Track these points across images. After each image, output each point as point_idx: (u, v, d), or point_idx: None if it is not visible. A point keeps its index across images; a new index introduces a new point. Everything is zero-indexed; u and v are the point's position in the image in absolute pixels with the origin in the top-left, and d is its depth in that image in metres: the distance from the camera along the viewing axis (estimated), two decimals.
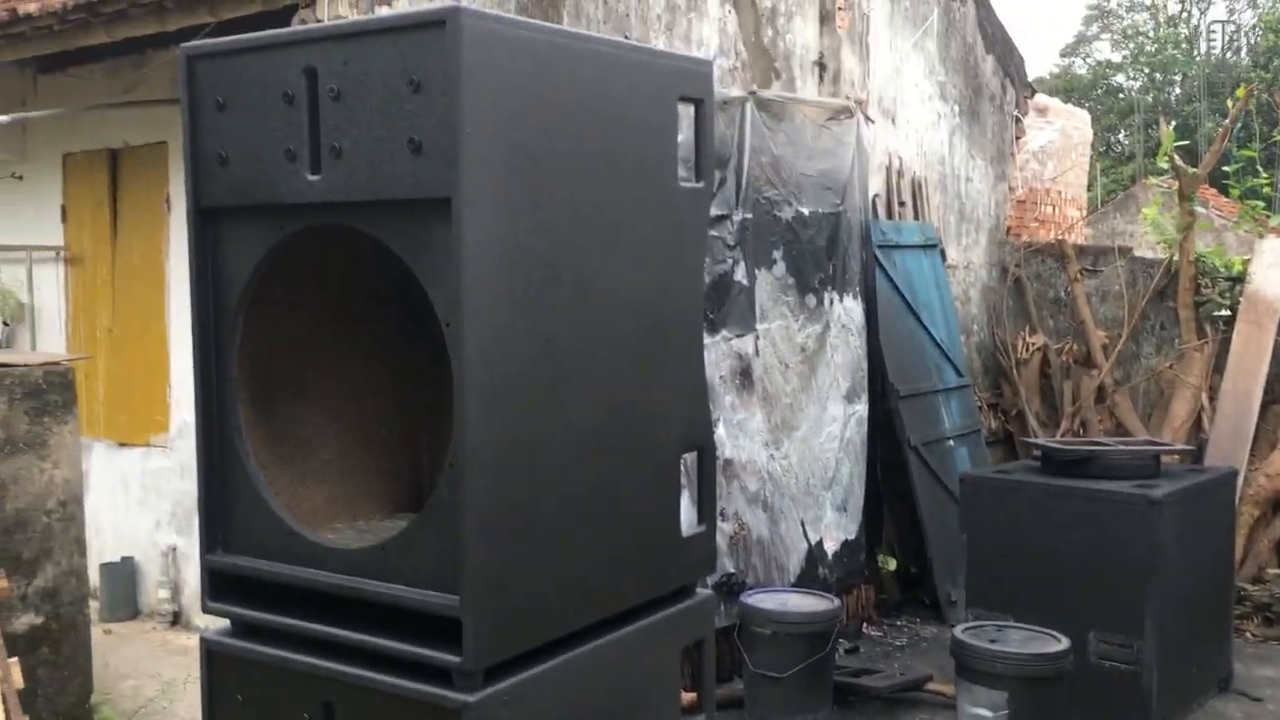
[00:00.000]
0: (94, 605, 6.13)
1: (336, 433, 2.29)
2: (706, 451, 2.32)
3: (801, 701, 5.38)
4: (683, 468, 2.27)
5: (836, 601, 5.64)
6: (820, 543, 6.61)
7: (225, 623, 2.08)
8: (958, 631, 4.94)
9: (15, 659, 4.54)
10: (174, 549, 7.07)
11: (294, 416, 2.21)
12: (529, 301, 1.88)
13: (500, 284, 1.83)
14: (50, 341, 7.81)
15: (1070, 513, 5.35)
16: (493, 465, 1.81)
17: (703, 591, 2.33)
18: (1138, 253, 9.01)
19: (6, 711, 4.33)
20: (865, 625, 6.93)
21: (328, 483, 2.28)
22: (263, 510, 2.04)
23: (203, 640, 2.07)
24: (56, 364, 5.16)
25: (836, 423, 6.79)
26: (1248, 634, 6.84)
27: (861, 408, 6.95)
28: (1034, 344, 8.58)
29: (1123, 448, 5.83)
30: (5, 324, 7.90)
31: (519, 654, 1.87)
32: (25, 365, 5.03)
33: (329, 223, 1.95)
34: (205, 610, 2.07)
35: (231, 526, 2.07)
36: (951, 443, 7.50)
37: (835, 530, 6.74)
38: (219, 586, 2.08)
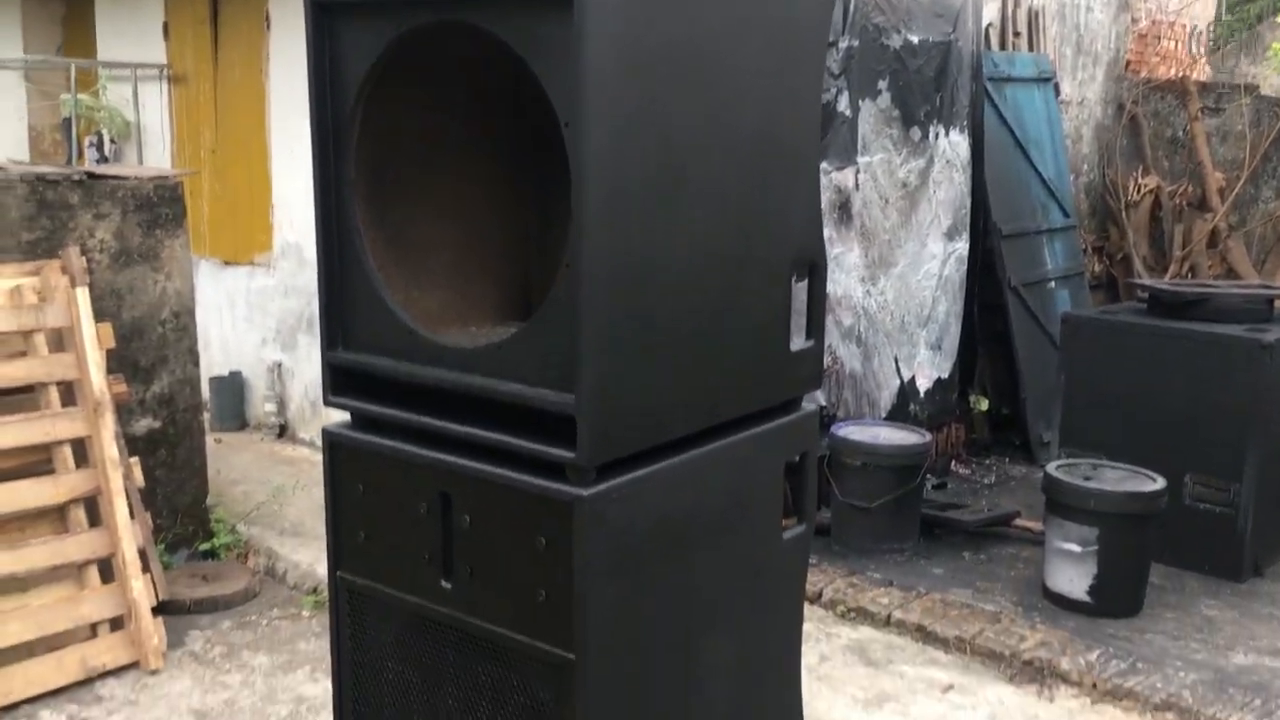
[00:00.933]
0: (205, 417, 6.40)
1: (449, 238, 2.31)
2: (818, 269, 2.30)
3: (888, 532, 5.46)
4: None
5: (927, 435, 5.66)
6: (913, 380, 6.59)
7: (345, 416, 2.16)
8: (1050, 468, 4.93)
9: (135, 459, 4.79)
10: (279, 365, 7.31)
11: (408, 220, 2.23)
12: (649, 104, 1.85)
13: (620, 85, 1.80)
14: (156, 160, 7.95)
15: (1175, 355, 5.23)
16: (609, 267, 1.81)
17: (808, 407, 2.34)
18: (1264, 93, 8.54)
19: (131, 505, 4.58)
20: (954, 463, 6.95)
21: (440, 288, 2.31)
22: (381, 310, 2.08)
23: (325, 432, 2.15)
24: (166, 178, 5.26)
25: (935, 260, 6.67)
26: None
27: (962, 246, 6.81)
28: (1146, 185, 8.27)
29: (1235, 291, 5.66)
30: (113, 141, 8.06)
31: (630, 454, 1.91)
32: (136, 178, 5.14)
33: (446, 19, 1.92)
34: (327, 403, 2.14)
35: (351, 325, 2.12)
36: (1053, 284, 7.35)
37: (928, 368, 6.70)
38: (339, 382, 2.14)
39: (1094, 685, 4.16)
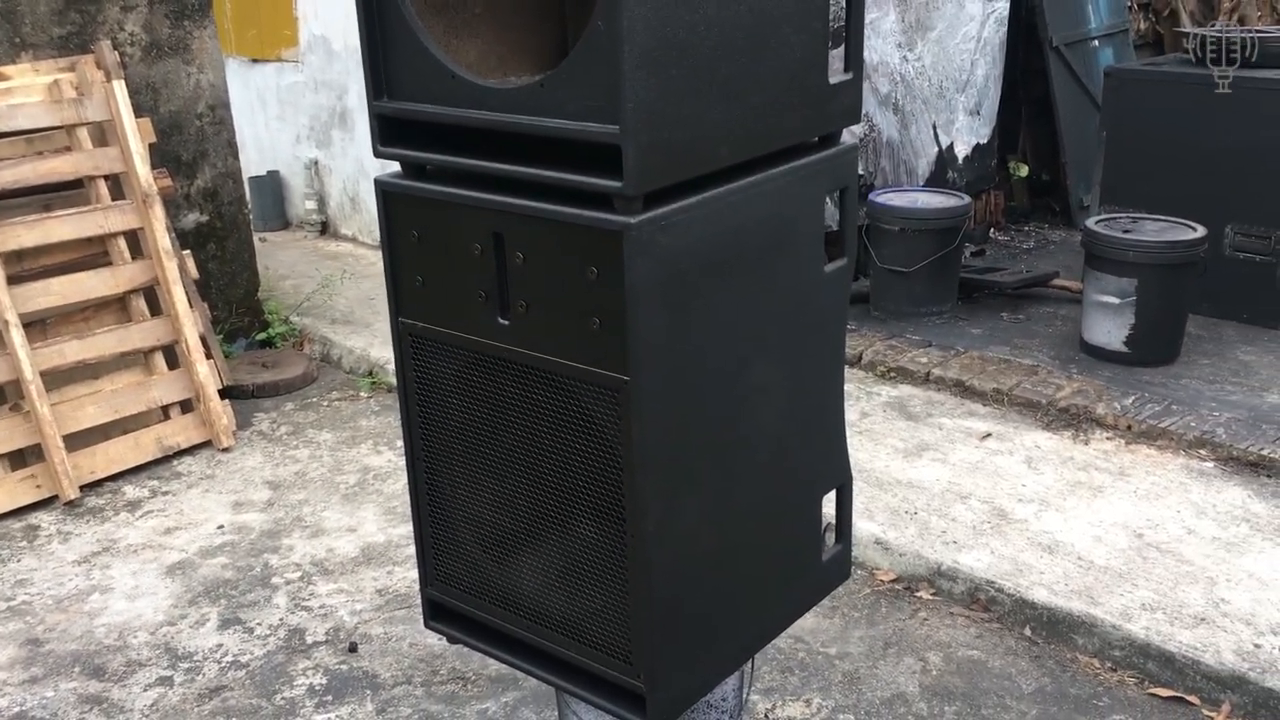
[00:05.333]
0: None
1: None
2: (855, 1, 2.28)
3: (927, 296, 5.52)
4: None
5: (966, 199, 5.65)
6: (951, 147, 6.53)
7: (395, 167, 2.21)
8: (1090, 223, 4.94)
9: (187, 251, 4.91)
10: (315, 162, 7.34)
11: None
12: None
13: None
14: None
15: (1221, 105, 5.14)
16: None
17: (847, 140, 2.36)
18: None
19: (189, 297, 4.73)
20: (992, 230, 6.95)
21: (479, 37, 2.31)
22: (423, 57, 2.10)
23: (378, 182, 2.20)
24: None
25: (974, 22, 6.50)
26: None
27: (1002, 6, 6.61)
28: None
29: None
30: None
31: (675, 183, 1.96)
32: None
33: None
34: (376, 154, 2.18)
35: (395, 74, 2.15)
36: (1096, 43, 7.15)
37: (967, 134, 6.62)
38: (388, 132, 2.18)
39: (1129, 427, 4.29)
